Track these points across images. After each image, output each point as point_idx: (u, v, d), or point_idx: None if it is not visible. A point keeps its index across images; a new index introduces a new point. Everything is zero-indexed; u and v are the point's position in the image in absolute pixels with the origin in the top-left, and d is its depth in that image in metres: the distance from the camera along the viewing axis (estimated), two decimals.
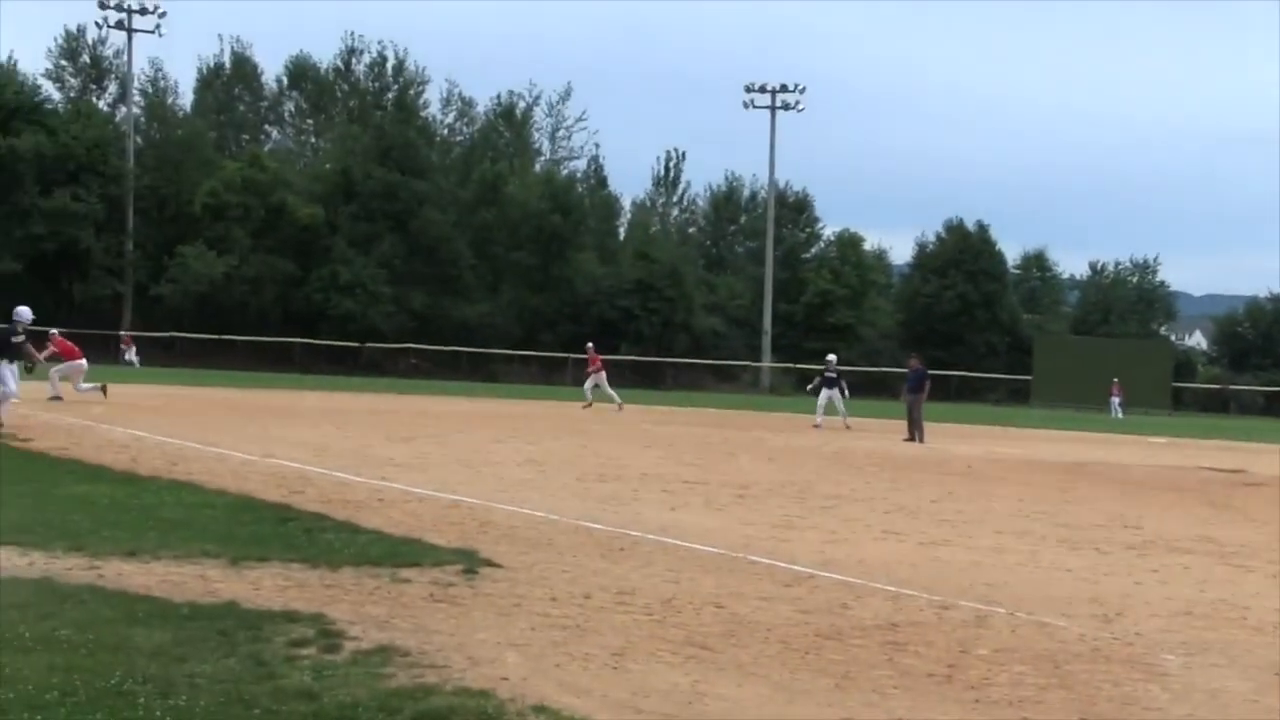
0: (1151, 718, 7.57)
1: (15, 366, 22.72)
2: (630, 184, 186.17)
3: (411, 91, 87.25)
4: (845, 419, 38.54)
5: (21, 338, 23.11)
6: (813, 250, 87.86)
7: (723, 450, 27.29)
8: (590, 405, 42.34)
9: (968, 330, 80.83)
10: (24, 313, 23.56)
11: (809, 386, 42.91)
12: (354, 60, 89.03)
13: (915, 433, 33.52)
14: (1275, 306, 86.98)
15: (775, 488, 19.92)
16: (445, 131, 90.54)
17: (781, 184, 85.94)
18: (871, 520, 16.48)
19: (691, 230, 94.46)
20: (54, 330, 34.39)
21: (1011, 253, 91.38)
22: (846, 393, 39.56)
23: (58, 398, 30.93)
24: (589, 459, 23.32)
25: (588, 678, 7.95)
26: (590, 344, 48.18)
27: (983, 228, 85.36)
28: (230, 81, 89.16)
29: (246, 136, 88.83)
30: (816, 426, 37.67)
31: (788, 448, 29.14)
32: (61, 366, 32.20)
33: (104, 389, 31.55)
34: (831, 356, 41.39)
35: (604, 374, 44.50)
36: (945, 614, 10.56)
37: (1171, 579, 12.99)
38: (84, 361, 32.62)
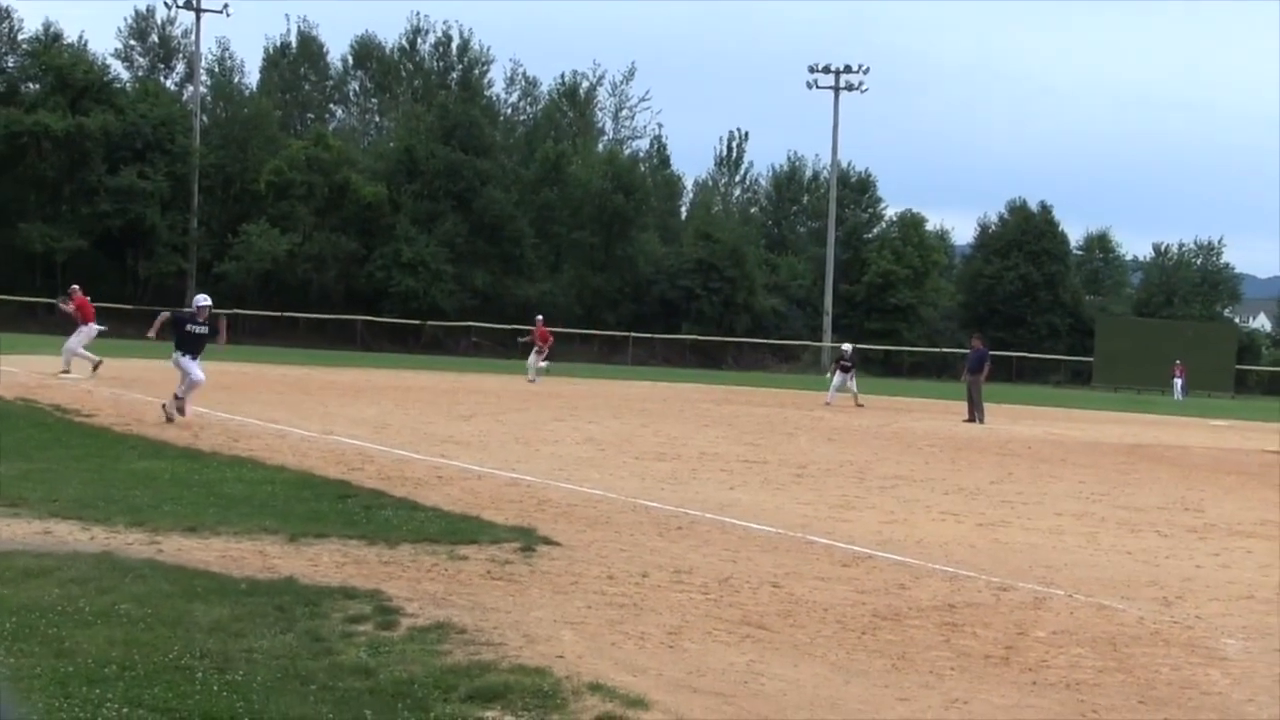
0: (1211, 702, 7.50)
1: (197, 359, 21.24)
2: (693, 164, 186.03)
3: (476, 71, 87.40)
4: (857, 398, 38.45)
5: (204, 329, 21.39)
6: (874, 231, 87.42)
7: (782, 430, 27.24)
8: (535, 380, 41.39)
9: (1029, 311, 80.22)
10: (203, 300, 21.99)
11: (828, 374, 42.89)
12: (419, 40, 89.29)
13: (975, 413, 33.34)
14: None
15: (834, 468, 19.87)
16: (509, 111, 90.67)
17: (844, 164, 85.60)
18: (930, 501, 16.41)
19: (753, 210, 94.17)
20: (75, 287, 33.60)
21: (1075, 234, 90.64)
22: (853, 381, 39.63)
23: (97, 362, 30.10)
24: (648, 438, 23.34)
25: (644, 656, 7.96)
26: (540, 316, 47.37)
27: (1045, 208, 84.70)
28: (296, 61, 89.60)
29: (311, 116, 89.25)
30: (827, 404, 37.69)
31: (847, 427, 29.05)
32: (81, 332, 31.16)
33: (98, 365, 30.41)
34: (847, 346, 41.35)
35: (547, 349, 43.90)
36: (1003, 595, 10.51)
37: (1233, 563, 12.87)
38: (96, 326, 31.96)
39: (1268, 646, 9.20)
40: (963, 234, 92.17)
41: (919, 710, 7.23)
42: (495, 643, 7.95)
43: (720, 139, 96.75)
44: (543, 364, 43.40)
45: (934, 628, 9.24)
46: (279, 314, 69.57)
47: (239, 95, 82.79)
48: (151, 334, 22.13)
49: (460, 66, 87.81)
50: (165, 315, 22.26)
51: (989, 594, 10.55)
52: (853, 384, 39.15)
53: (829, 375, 41.81)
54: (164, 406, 20.49)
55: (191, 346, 21.12)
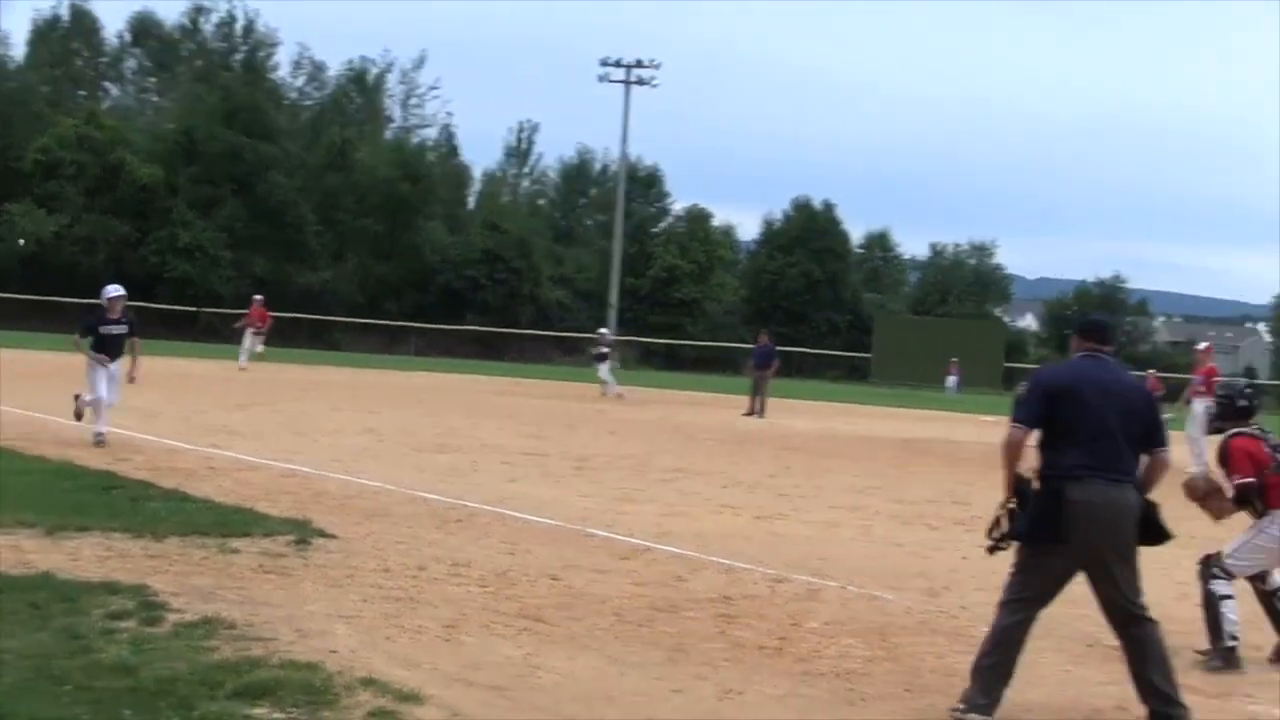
0: None
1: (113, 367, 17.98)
2: (482, 154, 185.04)
3: (260, 53, 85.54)
4: (616, 389, 38.48)
5: (122, 327, 18.14)
6: (661, 225, 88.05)
7: (564, 422, 27.27)
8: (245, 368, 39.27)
9: (811, 308, 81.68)
10: (114, 290, 18.52)
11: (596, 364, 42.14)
12: (201, 19, 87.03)
13: (756, 407, 33.79)
14: (1102, 291, 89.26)
15: (614, 460, 19.94)
16: (294, 96, 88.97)
17: (633, 158, 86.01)
18: (709, 494, 16.57)
19: (541, 202, 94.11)
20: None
21: (855, 232, 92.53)
22: (606, 369, 39.71)
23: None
24: (428, 429, 23.14)
25: (419, 650, 7.86)
26: (259, 296, 44.43)
27: (828, 207, 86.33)
28: (67, 35, 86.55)
29: (84, 93, 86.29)
30: (620, 396, 37.70)
31: (629, 420, 29.20)
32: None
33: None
34: (604, 330, 41.21)
35: (266, 331, 42.01)
36: (778, 587, 10.65)
37: (997, 555, 13.23)
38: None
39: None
40: (748, 230, 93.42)
41: (693, 701, 7.28)
42: (266, 638, 7.76)
43: (510, 130, 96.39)
44: (259, 348, 41.13)
45: (710, 619, 9.31)
46: (43, 298, 67.07)
47: (2, 69, 79.62)
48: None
49: (245, 48, 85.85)
50: (79, 340, 18.18)
51: (764, 586, 10.68)
52: (604, 372, 38.83)
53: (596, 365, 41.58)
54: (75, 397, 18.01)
55: (108, 350, 17.83)
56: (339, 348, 66.22)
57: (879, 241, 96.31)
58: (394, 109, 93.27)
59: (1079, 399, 7.16)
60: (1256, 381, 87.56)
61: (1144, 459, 7.28)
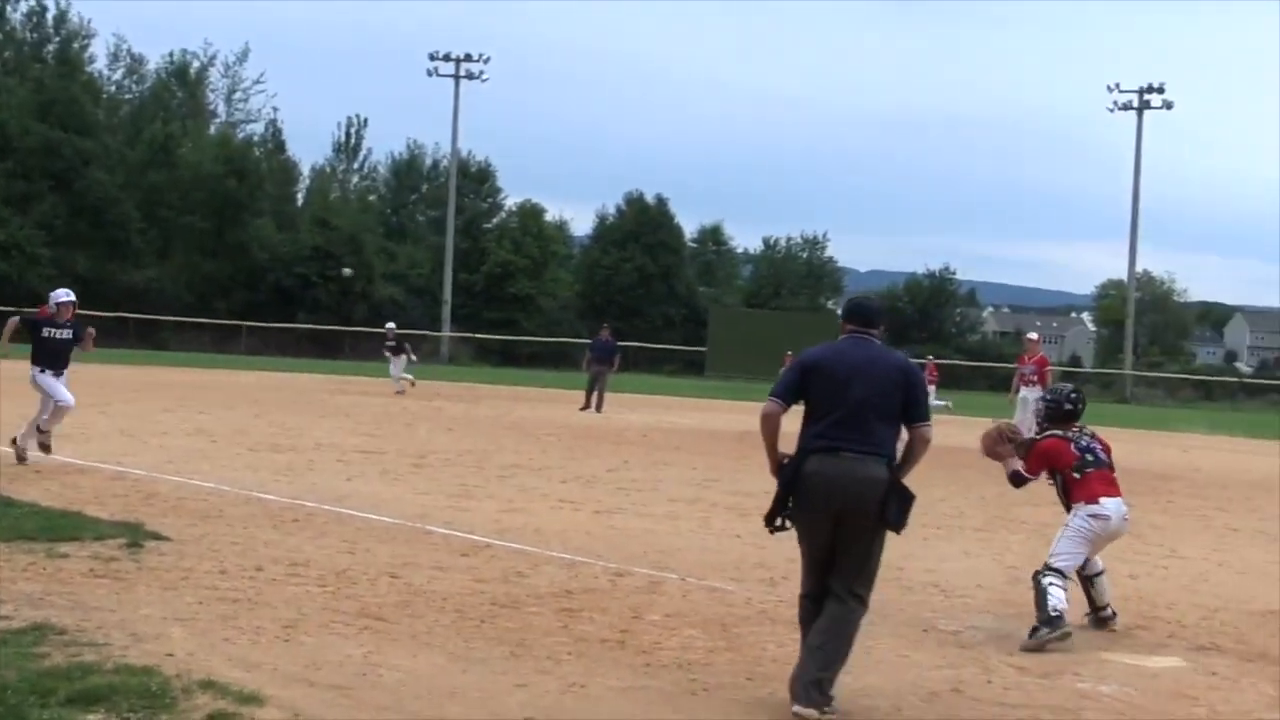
0: None
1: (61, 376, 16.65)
2: (310, 150, 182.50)
3: (75, 45, 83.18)
4: (408, 381, 38.00)
5: (68, 333, 16.69)
6: (494, 221, 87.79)
7: (400, 420, 27.07)
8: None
9: (645, 302, 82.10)
10: (64, 295, 17.05)
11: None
12: (9, 8, 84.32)
13: (594, 402, 33.86)
14: (932, 283, 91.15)
15: (453, 457, 19.86)
16: (113, 89, 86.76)
17: (464, 153, 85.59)
18: (548, 489, 16.59)
19: (372, 198, 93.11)
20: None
21: (689, 226, 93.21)
22: (413, 358, 39.20)
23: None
24: (263, 428, 22.81)
25: (258, 651, 7.77)
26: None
27: (661, 201, 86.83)
28: None
29: None
30: (399, 393, 36.84)
31: (466, 417, 29.09)
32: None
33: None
34: (390, 325, 40.67)
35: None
36: (619, 581, 10.71)
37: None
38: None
39: (865, 621, 9.66)
40: (581, 225, 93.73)
41: (536, 695, 7.30)
42: (99, 643, 7.60)
43: (338, 125, 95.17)
44: None
45: (552, 614, 9.34)
46: None
47: None
48: (1, 344, 17.25)
49: (58, 39, 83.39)
50: (14, 320, 17.18)
51: (605, 580, 10.74)
52: (395, 368, 38.08)
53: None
54: (14, 442, 16.23)
55: (53, 359, 16.44)
56: (167, 347, 64.86)
57: (712, 235, 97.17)
58: (218, 103, 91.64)
59: (830, 375, 7.36)
60: (1081, 369, 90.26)
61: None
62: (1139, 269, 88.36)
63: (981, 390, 66.14)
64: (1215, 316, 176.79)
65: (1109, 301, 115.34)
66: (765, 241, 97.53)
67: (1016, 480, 9.86)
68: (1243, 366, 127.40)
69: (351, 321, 73.91)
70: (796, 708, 7.12)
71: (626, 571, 11.10)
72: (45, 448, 16.27)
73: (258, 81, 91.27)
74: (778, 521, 7.52)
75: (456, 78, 78.30)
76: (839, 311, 8.00)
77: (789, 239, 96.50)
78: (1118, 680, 8.37)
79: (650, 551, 12.20)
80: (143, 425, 21.98)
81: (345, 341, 72.27)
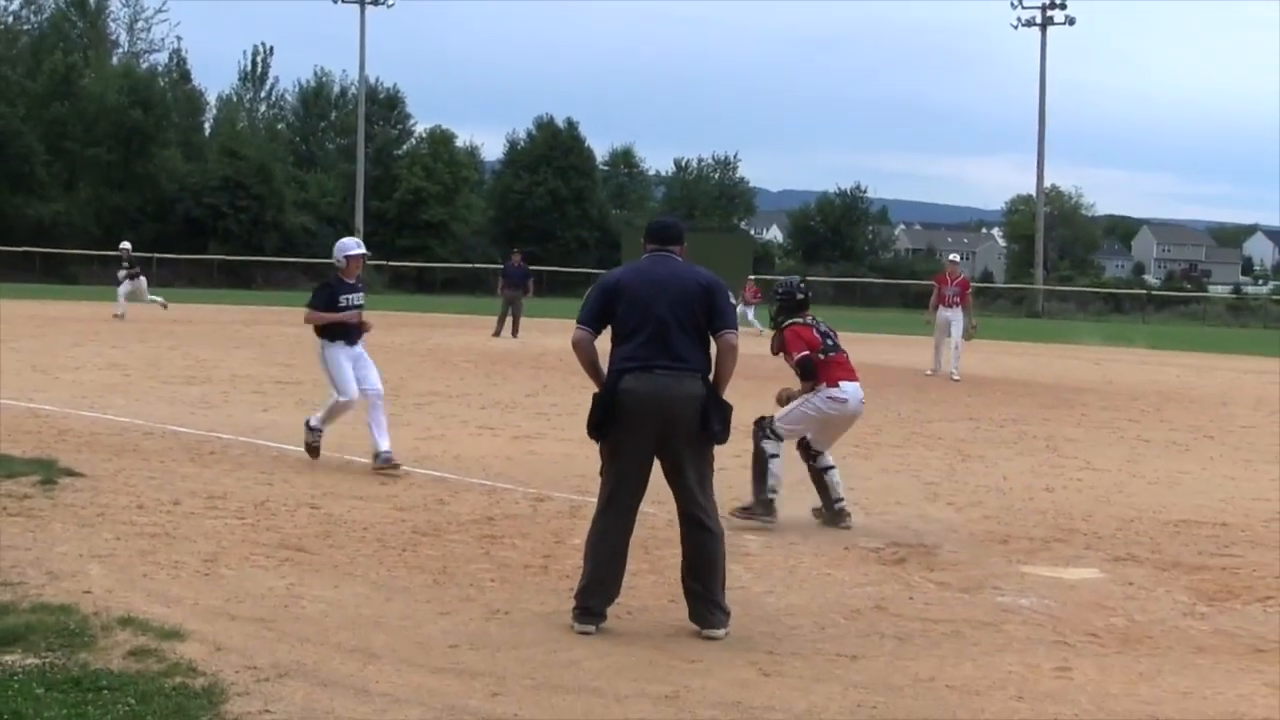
0: (735, 595, 7.89)
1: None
2: (216, 79, 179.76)
3: None
4: (159, 303, 36.15)
5: (360, 296, 13.08)
6: (404, 148, 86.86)
7: (315, 350, 26.76)
8: None
9: (559, 225, 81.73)
10: (354, 246, 13.52)
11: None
12: None
13: (511, 328, 33.72)
14: (843, 202, 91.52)
15: None
16: (10, 20, 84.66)
17: (372, 80, 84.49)
18: (467, 416, 16.56)
19: (280, 127, 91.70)
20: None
21: (600, 150, 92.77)
22: (143, 282, 36.78)
23: None
24: (176, 361, 22.55)
25: (178, 586, 7.72)
26: None
27: (572, 125, 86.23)
28: None
29: None
30: (117, 316, 34.40)
31: (381, 345, 28.82)
32: None
33: None
34: (125, 245, 38.42)
35: None
36: (540, 506, 10.74)
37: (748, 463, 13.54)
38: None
39: (782, 542, 9.77)
40: (492, 150, 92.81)
41: (460, 623, 7.31)
42: (14, 582, 7.52)
43: (244, 54, 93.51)
44: None
45: (474, 541, 9.35)
46: None
47: None
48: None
49: None
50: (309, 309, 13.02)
51: (526, 505, 10.76)
52: (124, 288, 35.63)
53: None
54: (309, 428, 12.84)
55: (348, 331, 12.87)
56: (76, 281, 63.79)
57: (623, 158, 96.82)
58: (120, 34, 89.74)
59: (632, 295, 7.42)
60: (993, 284, 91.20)
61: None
62: (1047, 184, 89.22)
63: (895, 307, 66.61)
64: (1123, 229, 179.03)
65: (1018, 217, 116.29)
66: (677, 163, 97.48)
67: (803, 369, 10.53)
68: (1150, 279, 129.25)
69: (263, 251, 73.05)
70: (709, 631, 7.23)
71: (547, 496, 11.12)
72: (313, 448, 12.86)
73: (160, 10, 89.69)
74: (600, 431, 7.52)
75: (362, 3, 77.11)
76: (644, 231, 7.92)
77: (700, 160, 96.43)
78: (1037, 593, 8.52)
79: (571, 476, 12.22)
80: (54, 361, 21.65)
81: (257, 272, 71.44)
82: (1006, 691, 6.47)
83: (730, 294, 7.77)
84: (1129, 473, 14.07)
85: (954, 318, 24.83)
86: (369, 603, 7.62)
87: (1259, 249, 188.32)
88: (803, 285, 11.03)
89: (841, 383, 10.45)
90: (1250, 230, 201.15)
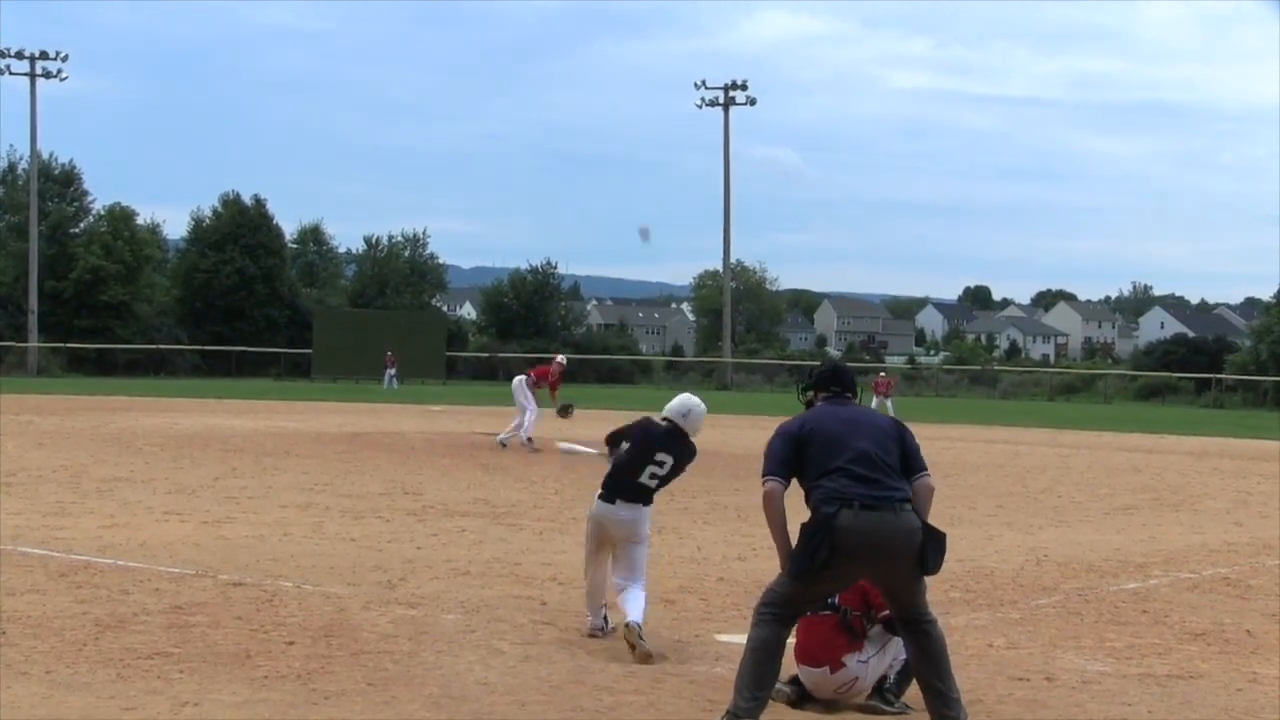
0: (435, 676, 7.79)
1: None
2: None
3: None
4: None
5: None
6: (82, 225, 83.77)
7: None
8: None
9: (248, 304, 79.89)
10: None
11: None
12: None
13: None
14: (535, 278, 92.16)
15: (46, 474, 18.85)
16: None
17: (45, 155, 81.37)
18: (153, 502, 15.98)
19: None
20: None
21: (289, 227, 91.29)
22: None
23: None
24: None
25: None
26: None
27: (259, 202, 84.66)
28: None
29: None
30: None
31: (60, 430, 27.67)
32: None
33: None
34: None
35: None
36: (233, 592, 10.42)
37: (450, 541, 13.48)
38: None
39: (484, 618, 9.71)
40: (176, 228, 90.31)
41: (147, 717, 7.02)
42: None
43: None
44: None
45: (161, 631, 9.00)
46: None
47: None
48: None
49: None
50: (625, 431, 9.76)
51: (217, 592, 10.41)
52: None
53: None
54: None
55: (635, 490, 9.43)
56: None
57: (312, 235, 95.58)
58: None
59: (826, 434, 7.14)
60: (683, 358, 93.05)
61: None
62: (733, 259, 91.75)
63: (590, 382, 67.28)
64: (805, 302, 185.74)
65: (706, 291, 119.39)
66: (367, 240, 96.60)
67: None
68: (832, 350, 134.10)
69: None
70: None
71: (240, 582, 10.79)
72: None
73: None
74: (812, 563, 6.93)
75: (33, 76, 74.35)
76: (814, 378, 7.59)
77: (391, 236, 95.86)
78: (731, 661, 8.67)
79: (263, 560, 11.91)
80: None
81: None
82: None
83: None
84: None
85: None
86: (47, 702, 7.24)
87: (930, 321, 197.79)
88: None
89: None
90: (922, 303, 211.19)
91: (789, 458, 7.15)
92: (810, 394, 7.62)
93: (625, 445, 9.30)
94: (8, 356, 70.03)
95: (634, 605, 8.93)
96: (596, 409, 33.87)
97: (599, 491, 9.25)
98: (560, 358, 27.72)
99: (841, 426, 7.16)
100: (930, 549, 6.96)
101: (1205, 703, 8.07)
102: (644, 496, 9.31)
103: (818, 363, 7.79)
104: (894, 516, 6.88)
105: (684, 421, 9.41)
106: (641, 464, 9.26)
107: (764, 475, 7.17)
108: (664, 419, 9.41)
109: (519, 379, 26.44)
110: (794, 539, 7.03)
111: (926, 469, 7.24)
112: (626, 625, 8.75)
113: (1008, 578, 12.30)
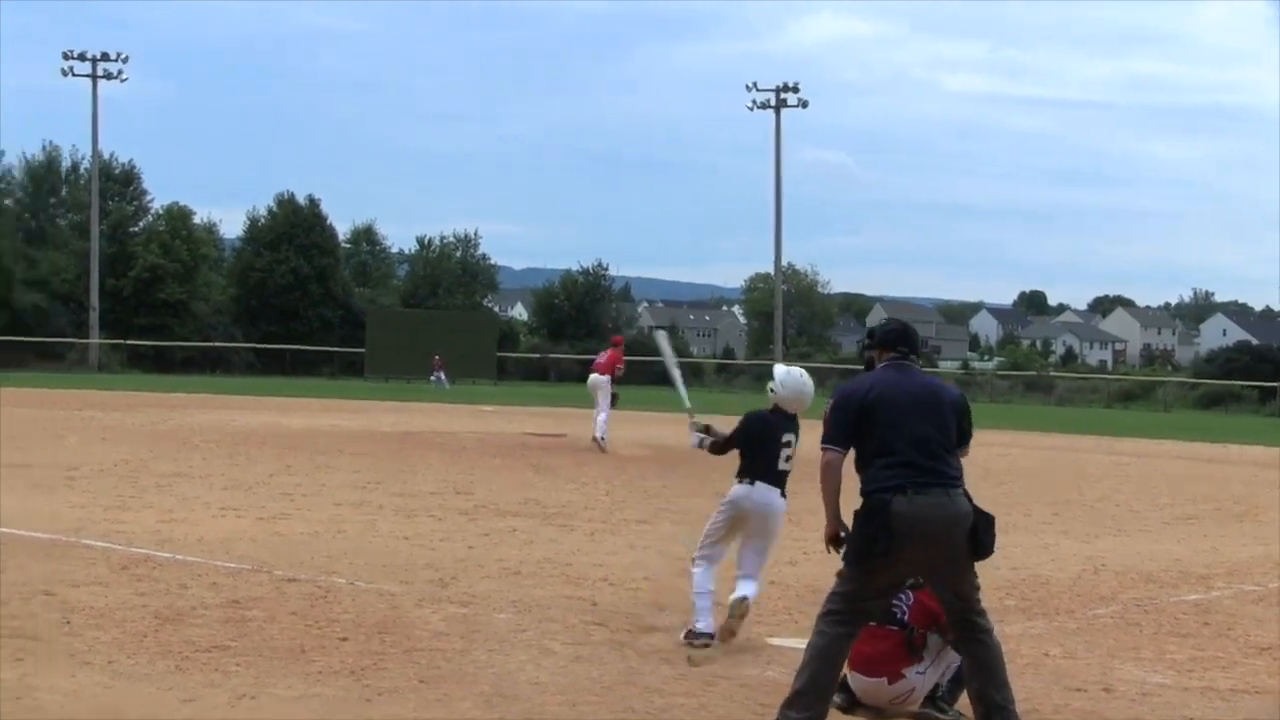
0: (486, 674, 7.90)
1: None
2: None
3: None
4: None
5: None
6: (141, 224, 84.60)
7: (49, 431, 25.87)
8: None
9: (302, 304, 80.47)
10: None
11: None
12: None
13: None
14: (586, 280, 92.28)
15: (107, 468, 19.13)
16: None
17: (106, 155, 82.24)
18: (209, 497, 16.18)
19: (8, 202, 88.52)
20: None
21: (342, 227, 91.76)
22: None
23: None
24: None
25: None
26: None
27: (313, 202, 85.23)
28: None
29: None
30: None
31: (120, 426, 28.03)
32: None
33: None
34: None
35: None
36: (287, 588, 10.57)
37: (502, 541, 13.60)
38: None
39: (535, 618, 9.82)
40: (232, 227, 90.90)
41: (205, 709, 7.17)
42: None
43: None
44: None
45: (219, 625, 9.15)
46: None
47: None
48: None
49: None
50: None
51: (273, 587, 10.57)
52: None
53: None
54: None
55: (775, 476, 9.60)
56: None
57: (365, 235, 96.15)
58: None
59: (891, 411, 6.98)
60: (734, 360, 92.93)
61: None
62: (784, 262, 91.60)
63: (641, 384, 67.36)
64: (858, 307, 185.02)
65: (757, 294, 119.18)
66: (419, 241, 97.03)
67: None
68: None
69: None
70: None
71: (295, 578, 10.95)
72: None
73: None
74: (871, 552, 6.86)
75: (94, 77, 75.15)
76: (867, 337, 7.53)
77: (443, 237, 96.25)
78: (781, 664, 8.72)
79: (317, 556, 12.06)
80: None
81: None
82: None
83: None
84: None
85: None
86: (109, 691, 7.40)
87: (984, 326, 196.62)
88: None
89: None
90: (976, 307, 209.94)
91: (852, 429, 7.01)
92: (874, 353, 7.45)
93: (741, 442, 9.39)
94: (70, 353, 70.77)
95: (748, 588, 9.21)
96: (648, 411, 33.97)
97: (736, 480, 9.32)
98: (615, 337, 27.87)
99: (908, 402, 6.99)
100: (981, 529, 6.90)
101: (1271, 718, 8.04)
102: (781, 482, 9.44)
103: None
104: (946, 499, 6.84)
105: (798, 405, 9.49)
106: (775, 451, 9.37)
107: (824, 444, 7.06)
108: (773, 407, 9.44)
109: (600, 377, 25.79)
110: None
111: (967, 447, 7.17)
112: (741, 598, 8.97)
113: (1064, 586, 12.28)
